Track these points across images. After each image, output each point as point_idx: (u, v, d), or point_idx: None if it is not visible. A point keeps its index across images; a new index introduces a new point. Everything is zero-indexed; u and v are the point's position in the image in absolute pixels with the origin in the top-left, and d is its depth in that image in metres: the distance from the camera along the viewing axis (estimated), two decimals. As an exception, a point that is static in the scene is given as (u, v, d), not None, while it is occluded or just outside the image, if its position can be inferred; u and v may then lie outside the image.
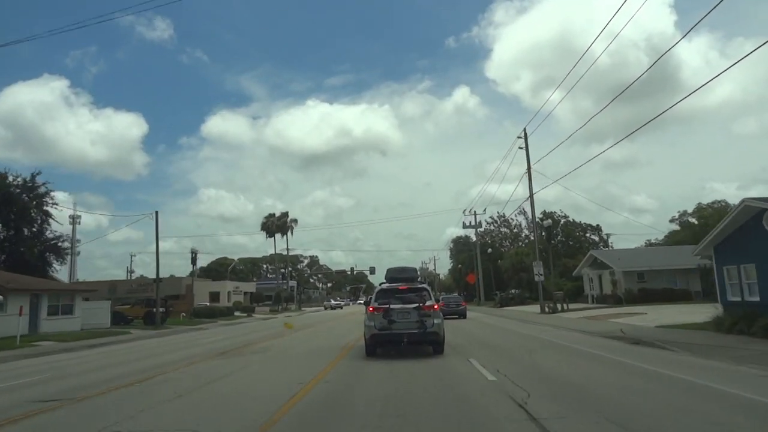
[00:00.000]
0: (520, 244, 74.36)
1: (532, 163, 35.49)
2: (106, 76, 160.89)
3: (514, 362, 11.34)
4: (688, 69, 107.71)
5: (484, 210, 62.11)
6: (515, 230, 79.40)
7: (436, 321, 12.55)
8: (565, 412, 6.48)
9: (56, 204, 39.99)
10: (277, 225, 76.24)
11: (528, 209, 74.45)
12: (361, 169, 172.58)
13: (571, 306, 35.78)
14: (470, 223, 61.14)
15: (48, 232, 39.46)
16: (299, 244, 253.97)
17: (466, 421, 6.26)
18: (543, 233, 51.17)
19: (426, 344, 13.02)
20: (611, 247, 69.34)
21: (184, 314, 43.80)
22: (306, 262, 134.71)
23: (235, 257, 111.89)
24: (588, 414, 6.33)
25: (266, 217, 77.57)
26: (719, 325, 15.43)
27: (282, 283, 79.48)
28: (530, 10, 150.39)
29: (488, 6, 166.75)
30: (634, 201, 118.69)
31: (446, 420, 6.37)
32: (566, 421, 6.04)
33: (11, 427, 6.88)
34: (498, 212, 77.86)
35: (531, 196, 35.70)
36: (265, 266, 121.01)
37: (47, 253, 38.31)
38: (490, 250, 70.35)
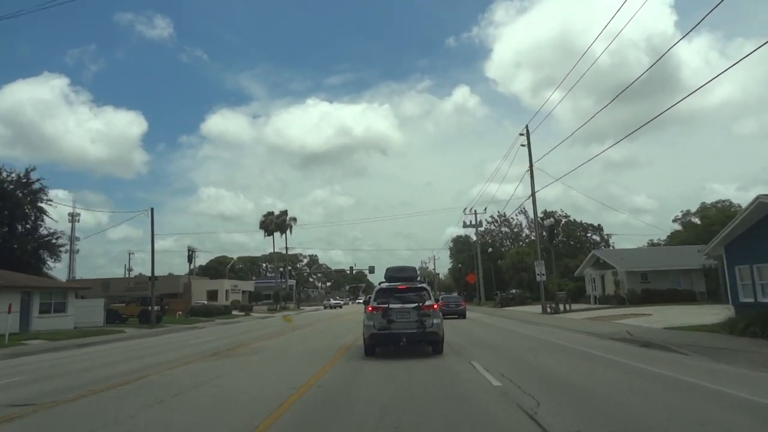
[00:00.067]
0: (521, 243, 73.77)
1: (533, 162, 34.95)
2: (105, 75, 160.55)
3: (519, 365, 10.72)
4: (688, 69, 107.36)
5: (485, 209, 61.61)
6: (516, 230, 78.89)
7: (435, 321, 12.44)
8: (579, 424, 5.86)
9: (50, 200, 39.42)
10: (276, 223, 75.57)
11: (528, 209, 73.85)
12: (361, 169, 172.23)
13: (573, 306, 35.15)
14: (470, 222, 60.59)
15: (42, 228, 38.85)
16: (299, 243, 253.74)
17: (471, 434, 5.65)
18: (544, 233, 50.54)
19: (425, 344, 12.92)
20: (612, 247, 68.77)
21: (180, 313, 43.17)
22: (305, 261, 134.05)
23: (235, 256, 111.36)
24: (606, 427, 5.71)
25: (265, 216, 76.90)
26: (732, 327, 14.79)
27: (281, 282, 78.84)
28: (530, 9, 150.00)
29: (488, 6, 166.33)
30: (634, 201, 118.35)
31: (449, 433, 5.76)
32: (583, 435, 5.42)
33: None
34: (498, 211, 77.38)
35: (533, 194, 35.09)
36: (264, 265, 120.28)
37: (41, 250, 37.64)
38: (490, 249, 69.77)
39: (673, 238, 56.64)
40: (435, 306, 12.77)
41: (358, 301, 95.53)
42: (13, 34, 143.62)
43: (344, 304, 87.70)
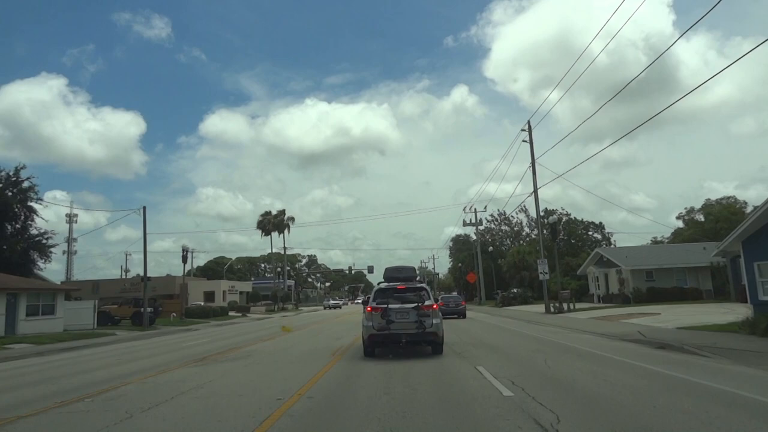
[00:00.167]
0: (521, 242, 72.88)
1: (534, 159, 34.05)
2: (104, 75, 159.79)
3: (530, 371, 9.81)
4: (687, 68, 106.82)
5: (485, 207, 60.81)
6: (516, 228, 77.95)
7: (435, 321, 12.35)
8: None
9: (41, 199, 38.36)
10: (273, 223, 74.55)
11: (529, 206, 73.05)
12: (360, 169, 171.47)
13: (577, 306, 34.28)
14: (470, 220, 59.76)
15: (32, 228, 37.82)
16: (298, 243, 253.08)
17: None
18: (545, 231, 49.64)
19: (425, 344, 12.87)
20: (614, 245, 67.88)
21: (174, 314, 42.17)
22: (304, 261, 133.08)
23: (234, 256, 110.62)
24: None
25: (262, 215, 75.80)
26: (753, 327, 13.90)
27: (279, 282, 77.85)
28: (528, 9, 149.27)
29: (487, 5, 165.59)
30: (633, 200, 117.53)
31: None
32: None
33: None
34: (498, 210, 76.54)
35: (535, 190, 34.21)
36: (263, 266, 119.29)
37: (31, 251, 36.65)
38: (491, 248, 68.86)
39: (677, 236, 55.81)
40: (434, 306, 12.64)
41: (357, 301, 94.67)
42: (11, 34, 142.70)
43: (343, 304, 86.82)
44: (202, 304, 56.56)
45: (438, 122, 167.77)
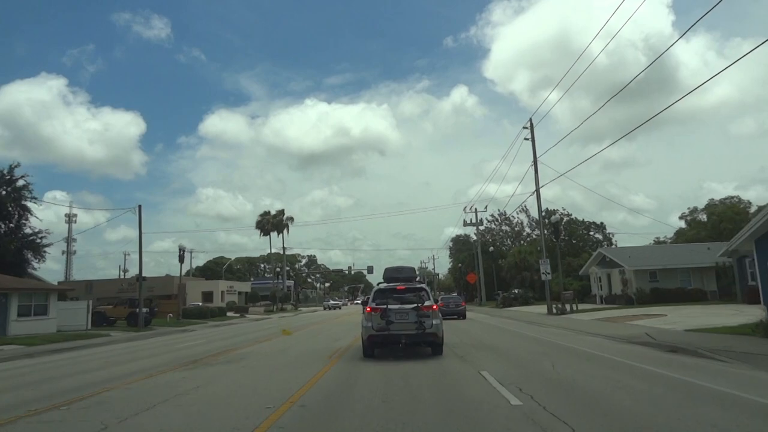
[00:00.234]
0: (522, 242, 72.31)
1: (537, 156, 33.49)
2: (103, 75, 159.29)
3: (537, 376, 9.23)
4: (686, 69, 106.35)
5: (486, 207, 60.25)
6: (516, 228, 77.38)
7: (434, 321, 12.30)
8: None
9: (35, 198, 37.73)
10: (272, 223, 73.91)
11: (530, 206, 72.45)
12: (360, 169, 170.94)
13: (579, 306, 33.67)
14: (471, 220, 59.24)
15: (26, 227, 37.21)
16: (297, 243, 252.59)
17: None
18: (546, 231, 49.12)
19: (424, 345, 12.85)
20: (615, 245, 67.31)
21: (171, 315, 41.57)
22: (304, 261, 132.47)
23: (234, 256, 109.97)
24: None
25: (261, 215, 75.08)
26: (768, 329, 13.31)
27: (278, 282, 77.23)
28: (528, 10, 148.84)
29: (486, 6, 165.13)
30: (633, 201, 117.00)
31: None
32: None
33: None
34: (499, 210, 75.98)
35: (537, 189, 33.66)
36: (262, 266, 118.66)
37: (24, 250, 36.04)
38: (491, 248, 68.29)
39: (680, 236, 55.22)
40: (434, 306, 12.59)
41: (356, 301, 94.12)
42: (11, 34, 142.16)
43: (343, 304, 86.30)
44: (200, 304, 55.97)
45: (438, 122, 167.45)
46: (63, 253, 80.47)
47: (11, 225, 36.47)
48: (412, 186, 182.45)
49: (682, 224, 60.48)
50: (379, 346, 12.63)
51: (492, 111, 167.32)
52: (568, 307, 31.42)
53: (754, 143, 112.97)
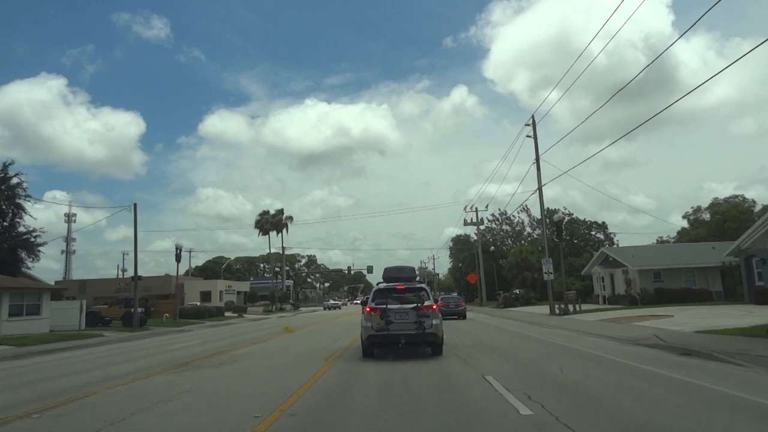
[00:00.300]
0: (523, 242, 71.72)
1: (539, 155, 32.92)
2: (103, 75, 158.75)
3: (545, 382, 8.65)
4: (686, 69, 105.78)
5: (486, 206, 59.71)
6: (517, 228, 76.79)
7: (434, 321, 12.26)
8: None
9: (29, 196, 37.18)
10: (271, 222, 73.36)
11: (531, 205, 71.97)
12: (360, 169, 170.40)
13: (583, 307, 33.11)
14: (471, 219, 58.67)
15: (20, 226, 36.64)
16: (297, 243, 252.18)
17: None
18: (548, 230, 48.53)
19: (424, 345, 12.81)
20: (617, 245, 66.74)
21: (167, 315, 40.99)
22: (304, 261, 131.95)
23: (233, 256, 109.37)
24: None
25: (260, 215, 74.52)
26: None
27: (277, 282, 76.67)
28: (528, 10, 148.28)
29: (486, 6, 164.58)
30: (633, 201, 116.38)
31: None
32: None
33: None
34: (500, 209, 75.40)
35: (539, 187, 33.08)
36: (261, 265, 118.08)
37: (18, 249, 35.48)
38: (492, 248, 67.72)
39: (683, 236, 54.66)
40: (434, 306, 12.56)
41: (356, 301, 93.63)
42: (11, 34, 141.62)
43: (342, 304, 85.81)
44: (198, 304, 55.45)
45: (438, 122, 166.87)
46: (62, 252, 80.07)
47: (5, 224, 35.95)
48: (412, 186, 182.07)
49: (684, 224, 59.95)
50: (379, 346, 12.59)
51: (492, 111, 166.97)
52: (571, 307, 30.85)
53: (754, 143, 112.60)
